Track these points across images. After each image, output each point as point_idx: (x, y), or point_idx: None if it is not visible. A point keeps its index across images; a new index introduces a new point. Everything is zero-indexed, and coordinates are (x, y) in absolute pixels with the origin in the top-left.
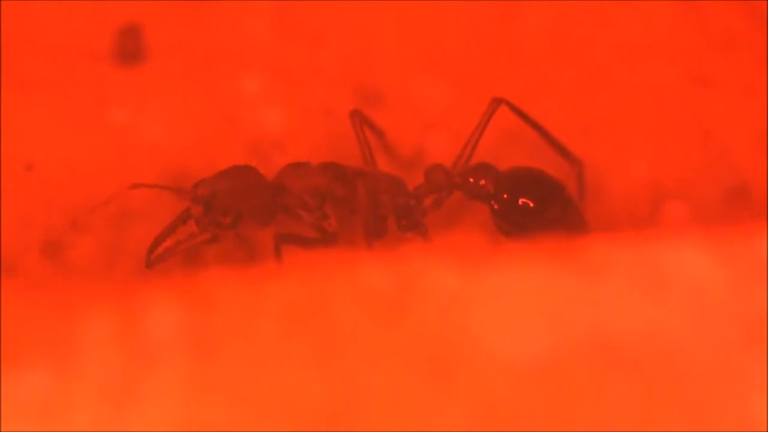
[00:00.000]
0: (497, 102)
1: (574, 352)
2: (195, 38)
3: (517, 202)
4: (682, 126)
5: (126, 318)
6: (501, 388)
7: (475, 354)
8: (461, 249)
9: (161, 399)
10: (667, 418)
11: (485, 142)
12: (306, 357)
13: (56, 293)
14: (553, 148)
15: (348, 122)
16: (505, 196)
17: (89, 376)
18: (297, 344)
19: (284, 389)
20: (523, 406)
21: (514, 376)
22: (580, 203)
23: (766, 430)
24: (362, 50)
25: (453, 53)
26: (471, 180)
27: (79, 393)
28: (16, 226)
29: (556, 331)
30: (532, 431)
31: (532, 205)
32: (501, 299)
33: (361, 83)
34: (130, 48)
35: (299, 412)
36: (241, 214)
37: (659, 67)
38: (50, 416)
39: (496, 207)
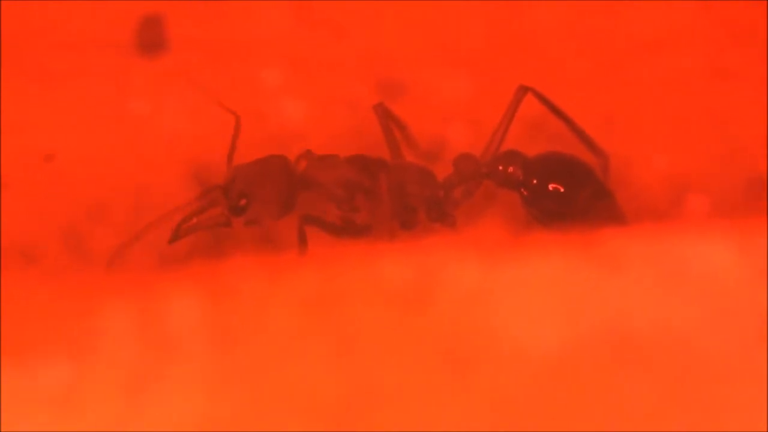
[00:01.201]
0: (523, 90)
1: (593, 345)
2: (216, 29)
3: (547, 187)
4: (702, 118)
5: (146, 309)
6: (520, 381)
7: (495, 347)
8: (481, 241)
9: (180, 390)
10: (686, 413)
11: (509, 132)
12: (326, 349)
13: (76, 284)
14: (580, 139)
15: (369, 114)
16: (534, 181)
17: (108, 367)
18: (317, 336)
19: (304, 381)
20: (542, 400)
21: (533, 370)
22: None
23: None
24: (383, 42)
25: (474, 45)
26: (500, 167)
27: (98, 384)
28: (35, 217)
29: (575, 324)
30: (550, 425)
31: (562, 190)
32: (521, 292)
33: (382, 75)
34: (151, 39)
35: (318, 405)
36: (255, 200)
37: (678, 60)
38: (69, 407)
39: (525, 194)
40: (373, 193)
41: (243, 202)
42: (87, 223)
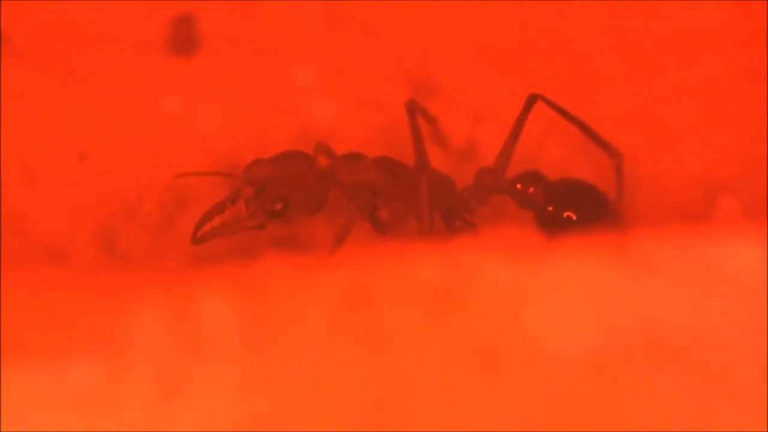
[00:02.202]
0: (533, 99)
1: (625, 347)
2: (248, 28)
3: (562, 214)
4: (734, 120)
5: (177, 308)
6: (552, 382)
7: (527, 348)
8: (513, 243)
9: (212, 389)
10: (717, 415)
11: (527, 134)
12: (358, 349)
13: (108, 282)
14: (593, 141)
15: (400, 114)
16: (550, 208)
17: (140, 366)
18: (349, 336)
19: (336, 381)
20: (573, 401)
21: (564, 371)
22: (621, 196)
23: None
24: (415, 42)
25: (505, 45)
26: (519, 187)
27: (130, 384)
28: (68, 215)
29: (607, 325)
30: (581, 426)
31: (575, 218)
32: (552, 293)
33: (414, 75)
34: (183, 38)
35: (350, 404)
36: (290, 203)
37: (711, 61)
38: (100, 407)
39: (540, 216)
40: (395, 196)
41: (279, 206)
42: (119, 222)
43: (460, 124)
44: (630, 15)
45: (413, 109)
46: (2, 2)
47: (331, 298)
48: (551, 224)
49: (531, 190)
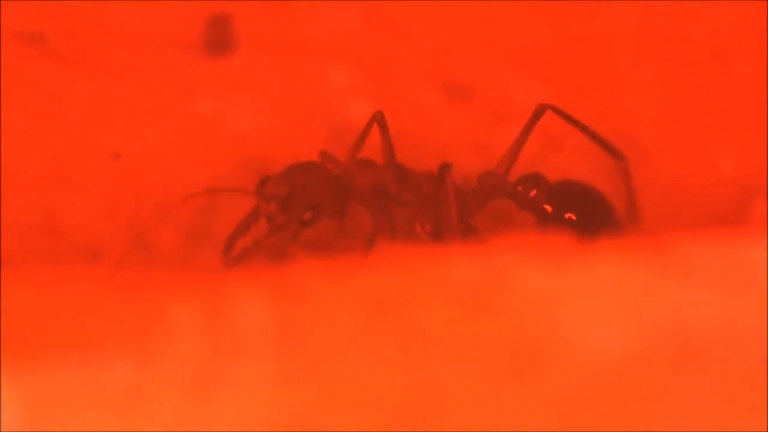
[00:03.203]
0: (542, 108)
1: (659, 349)
2: (283, 29)
3: (563, 215)
4: None
5: (212, 308)
6: (585, 384)
7: (560, 350)
8: (548, 245)
9: (246, 390)
10: (750, 418)
11: (535, 139)
12: (391, 350)
13: (142, 282)
14: (599, 146)
15: (433, 116)
16: (552, 209)
17: (175, 366)
18: (382, 337)
19: (369, 382)
20: (606, 403)
21: (598, 373)
22: (632, 199)
23: None
24: (450, 44)
25: (540, 47)
26: (520, 189)
27: (165, 383)
28: (103, 214)
29: (641, 328)
30: (614, 428)
31: (575, 218)
32: (586, 296)
33: (449, 77)
34: (218, 38)
35: (383, 405)
36: (319, 210)
37: (745, 64)
38: (135, 405)
39: (541, 217)
40: (400, 200)
41: (309, 214)
42: (153, 221)
43: (495, 126)
44: (663, 16)
45: (383, 122)
46: (38, 3)
47: (365, 299)
48: (552, 226)
49: (533, 192)
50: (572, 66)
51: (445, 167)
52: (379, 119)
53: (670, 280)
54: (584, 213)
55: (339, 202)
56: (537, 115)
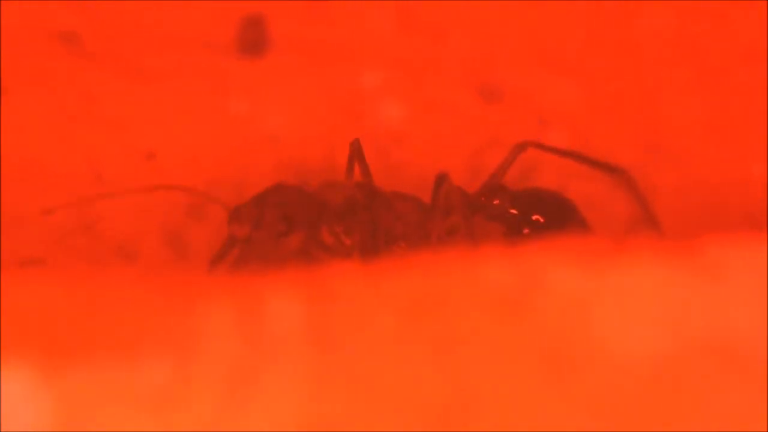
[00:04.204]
0: (521, 147)
1: (694, 352)
2: (317, 31)
3: (531, 218)
4: None
5: (247, 309)
6: (620, 387)
7: (595, 353)
8: (583, 247)
9: (280, 391)
10: None
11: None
12: (425, 352)
13: (177, 282)
14: (593, 168)
15: (468, 118)
16: (517, 214)
17: (209, 366)
18: (417, 339)
19: (403, 384)
20: (641, 407)
21: (632, 376)
22: (647, 208)
23: None
24: (484, 46)
25: (575, 50)
26: (483, 200)
27: (198, 384)
28: (136, 214)
29: (676, 331)
30: (650, 431)
31: (542, 221)
32: (620, 298)
33: (483, 79)
34: (252, 39)
35: (417, 408)
36: (293, 220)
37: None
38: (169, 406)
39: (508, 226)
40: (369, 219)
41: (283, 225)
42: (187, 222)
43: (528, 129)
44: (700, 21)
45: (359, 150)
46: (72, 3)
47: (399, 301)
48: (520, 231)
49: (496, 201)
50: (606, 68)
51: (441, 177)
52: (355, 147)
53: (705, 283)
54: (550, 214)
55: (313, 210)
56: (514, 154)
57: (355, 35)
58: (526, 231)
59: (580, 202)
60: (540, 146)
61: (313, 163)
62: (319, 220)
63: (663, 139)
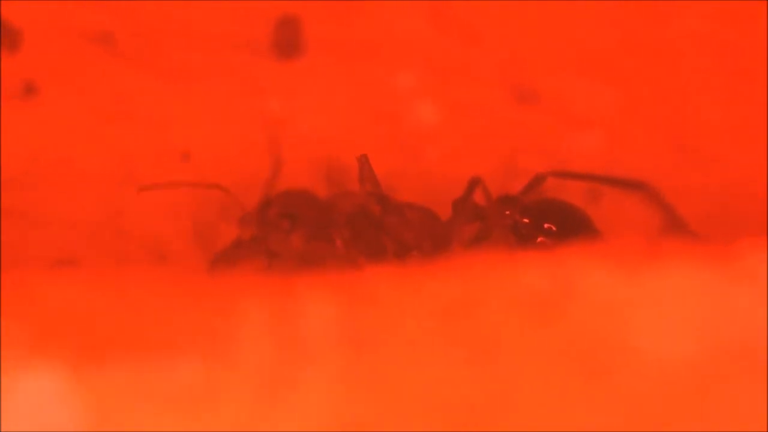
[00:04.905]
0: (541, 178)
1: (726, 356)
2: (352, 32)
3: (543, 226)
4: None
5: (280, 310)
6: (654, 390)
7: (629, 356)
8: (618, 250)
9: (314, 393)
10: None
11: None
12: (460, 355)
13: (210, 283)
14: (613, 187)
15: (502, 120)
16: (529, 224)
17: (242, 368)
18: (452, 342)
19: (438, 387)
20: (676, 410)
21: (666, 380)
22: (677, 219)
23: None
24: (519, 47)
25: (610, 52)
26: (494, 210)
27: (232, 385)
28: (169, 214)
29: (709, 335)
30: None
31: (554, 229)
32: (655, 302)
33: (517, 80)
34: (287, 40)
35: (452, 411)
36: (297, 218)
37: None
38: (201, 406)
39: (519, 237)
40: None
41: (286, 222)
42: (220, 223)
43: (562, 132)
44: (734, 23)
45: (367, 164)
46: (107, 3)
47: (434, 304)
48: (532, 240)
49: (507, 211)
50: (641, 71)
51: (474, 181)
52: (363, 162)
53: (741, 288)
54: (563, 224)
55: (319, 209)
56: (536, 183)
57: (389, 36)
58: (540, 240)
59: (614, 209)
60: (561, 174)
61: (347, 162)
62: (327, 224)
63: (696, 141)
